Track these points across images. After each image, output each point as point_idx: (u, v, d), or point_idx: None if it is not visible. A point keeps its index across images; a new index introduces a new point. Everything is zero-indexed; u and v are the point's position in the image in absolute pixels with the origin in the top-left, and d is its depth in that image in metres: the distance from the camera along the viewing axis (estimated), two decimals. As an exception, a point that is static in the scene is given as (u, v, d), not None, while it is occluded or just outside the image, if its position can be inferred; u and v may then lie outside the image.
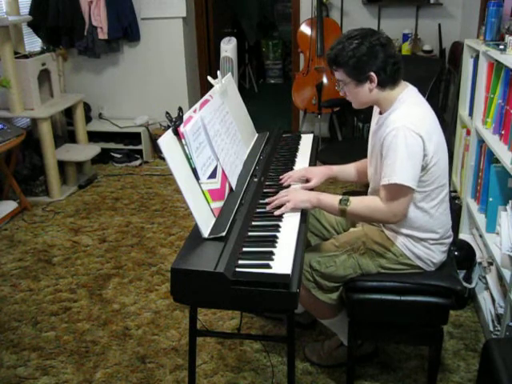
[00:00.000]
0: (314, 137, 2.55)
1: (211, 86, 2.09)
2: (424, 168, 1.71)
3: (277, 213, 1.77)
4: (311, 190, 2.02)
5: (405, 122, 1.66)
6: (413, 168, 1.67)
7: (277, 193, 1.91)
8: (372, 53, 1.69)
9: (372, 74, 1.71)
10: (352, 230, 2.06)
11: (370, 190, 1.97)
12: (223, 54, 4.11)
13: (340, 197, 1.78)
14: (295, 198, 1.80)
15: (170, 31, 4.66)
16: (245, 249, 1.59)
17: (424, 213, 1.80)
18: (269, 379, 2.13)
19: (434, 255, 1.87)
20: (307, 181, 2.04)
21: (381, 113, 1.84)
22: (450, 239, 1.92)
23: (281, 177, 2.05)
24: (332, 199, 1.79)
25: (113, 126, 4.71)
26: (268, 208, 1.81)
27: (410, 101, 1.76)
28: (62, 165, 4.07)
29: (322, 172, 2.06)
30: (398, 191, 1.68)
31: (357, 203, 1.76)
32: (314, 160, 2.30)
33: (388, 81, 1.74)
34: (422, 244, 1.85)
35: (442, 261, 1.91)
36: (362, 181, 2.13)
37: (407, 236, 1.85)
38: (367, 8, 4.56)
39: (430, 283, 1.84)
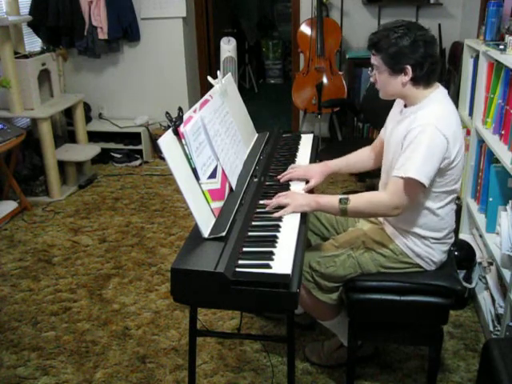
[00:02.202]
0: (314, 137, 2.55)
1: (211, 85, 2.09)
2: (441, 170, 1.71)
3: (276, 215, 1.77)
4: (311, 191, 2.02)
5: (435, 121, 1.67)
6: (430, 167, 1.67)
7: (277, 193, 1.91)
8: (414, 46, 1.69)
9: (408, 67, 1.71)
10: (351, 229, 2.06)
11: (381, 180, 1.96)
12: (226, 54, 4.10)
13: (339, 196, 1.78)
14: (294, 201, 1.79)
15: (170, 31, 4.66)
16: (245, 249, 1.59)
17: (430, 212, 1.81)
18: (269, 379, 2.13)
19: (435, 254, 1.87)
20: (307, 181, 2.04)
21: (405, 106, 1.84)
22: (452, 240, 1.92)
23: (279, 176, 2.06)
24: (331, 200, 1.79)
25: (113, 125, 4.71)
26: (267, 208, 1.80)
27: (440, 101, 1.76)
28: (61, 165, 4.07)
29: (320, 171, 2.07)
30: (410, 186, 1.68)
31: (357, 200, 1.76)
32: (314, 160, 2.30)
33: (422, 78, 1.73)
34: (422, 242, 1.85)
35: (443, 260, 1.91)
36: (366, 168, 2.15)
37: (408, 233, 1.85)
38: (367, 8, 4.56)
39: (429, 283, 1.84)
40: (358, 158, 2.15)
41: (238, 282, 1.45)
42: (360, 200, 1.77)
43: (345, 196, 1.77)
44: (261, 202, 1.87)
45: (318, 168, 2.09)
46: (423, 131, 1.66)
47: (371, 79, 1.84)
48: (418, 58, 1.70)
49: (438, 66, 1.76)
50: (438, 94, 1.77)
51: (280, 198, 1.82)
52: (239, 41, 5.19)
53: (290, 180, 2.04)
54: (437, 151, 1.66)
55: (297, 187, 2.01)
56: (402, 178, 1.67)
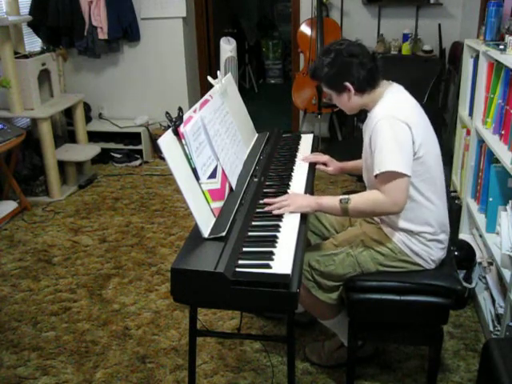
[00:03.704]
0: (314, 137, 2.55)
1: (211, 85, 2.09)
2: (413, 156, 1.74)
3: (275, 212, 1.77)
4: (312, 192, 2.03)
5: (388, 112, 1.73)
6: (402, 154, 1.69)
7: (276, 193, 1.92)
8: (345, 65, 1.80)
9: (347, 84, 1.81)
10: (350, 228, 2.06)
11: (367, 186, 1.99)
12: (227, 54, 4.08)
13: (340, 197, 1.79)
14: (295, 202, 1.79)
15: (170, 31, 4.67)
16: (245, 249, 1.59)
17: (417, 204, 1.81)
18: (269, 379, 2.13)
19: (432, 252, 1.87)
20: (324, 164, 2.25)
21: (368, 112, 1.90)
22: (447, 236, 1.93)
23: (303, 158, 2.26)
24: (332, 201, 1.80)
25: (113, 125, 4.71)
26: (266, 209, 1.80)
27: (393, 95, 1.83)
28: (62, 165, 4.07)
29: (338, 166, 2.25)
30: (391, 179, 1.69)
31: (357, 199, 1.78)
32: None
33: (364, 86, 1.82)
34: (417, 239, 1.85)
35: (441, 258, 1.92)
36: None
37: (403, 230, 1.86)
38: (367, 8, 4.56)
39: (429, 283, 1.84)
40: None
41: (237, 282, 1.44)
42: (361, 199, 1.79)
43: (345, 196, 1.78)
44: (261, 201, 1.87)
45: (338, 163, 2.26)
46: (382, 125, 1.71)
47: (331, 102, 1.97)
48: (353, 73, 1.80)
49: (375, 70, 1.82)
50: (390, 91, 1.84)
51: (281, 201, 1.81)
52: (239, 41, 5.18)
53: (316, 163, 2.25)
54: (403, 138, 1.70)
55: (297, 188, 2.01)
56: (382, 174, 1.70)
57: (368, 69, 1.80)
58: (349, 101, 1.85)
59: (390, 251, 1.88)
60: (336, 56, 1.80)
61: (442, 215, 1.88)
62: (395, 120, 1.70)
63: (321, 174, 4.17)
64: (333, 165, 2.25)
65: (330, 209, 1.82)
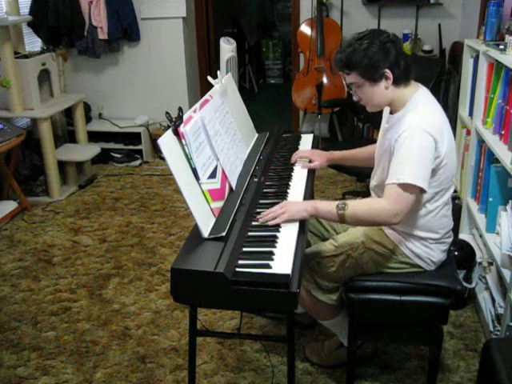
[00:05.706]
0: (314, 137, 2.55)
1: (211, 85, 2.09)
2: (434, 170, 1.70)
3: (272, 223, 1.70)
4: (312, 193, 2.02)
5: (420, 124, 1.66)
6: (425, 169, 1.65)
7: (276, 193, 1.92)
8: (384, 50, 1.70)
9: (387, 70, 1.71)
10: (351, 229, 2.06)
11: (373, 187, 1.96)
12: (229, 54, 4.08)
13: (337, 202, 1.72)
14: (291, 209, 1.73)
15: (170, 31, 4.67)
16: (245, 249, 1.59)
17: (427, 213, 1.80)
18: (269, 379, 2.13)
19: (434, 254, 1.87)
20: (310, 161, 2.18)
21: (391, 112, 1.83)
22: (450, 239, 1.92)
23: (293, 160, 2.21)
24: (329, 206, 1.73)
25: (113, 125, 4.71)
26: (261, 220, 1.73)
27: (424, 102, 1.76)
28: (62, 165, 4.07)
29: (325, 156, 2.18)
30: (408, 191, 1.64)
31: (355, 206, 1.71)
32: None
33: (402, 77, 1.74)
34: (421, 243, 1.85)
35: (442, 260, 1.91)
36: (370, 165, 2.07)
37: (407, 234, 1.85)
38: (367, 8, 4.56)
39: (430, 283, 1.84)
40: (363, 154, 2.16)
41: (237, 282, 1.45)
42: (360, 207, 1.72)
43: (342, 202, 1.72)
44: (261, 201, 1.87)
45: (323, 153, 2.19)
46: (411, 135, 1.65)
47: (354, 98, 1.83)
48: (392, 59, 1.70)
49: (411, 62, 1.76)
50: (420, 94, 1.78)
51: (275, 210, 1.73)
52: (239, 41, 5.18)
53: (299, 158, 2.20)
54: (427, 153, 1.65)
55: (297, 187, 2.00)
56: (398, 184, 1.64)
57: (406, 59, 1.74)
58: (386, 90, 1.74)
59: (391, 253, 1.87)
60: (373, 41, 1.69)
61: (448, 223, 1.87)
62: (425, 133, 1.64)
63: (321, 174, 4.18)
64: (318, 158, 2.17)
65: (327, 214, 1.74)
